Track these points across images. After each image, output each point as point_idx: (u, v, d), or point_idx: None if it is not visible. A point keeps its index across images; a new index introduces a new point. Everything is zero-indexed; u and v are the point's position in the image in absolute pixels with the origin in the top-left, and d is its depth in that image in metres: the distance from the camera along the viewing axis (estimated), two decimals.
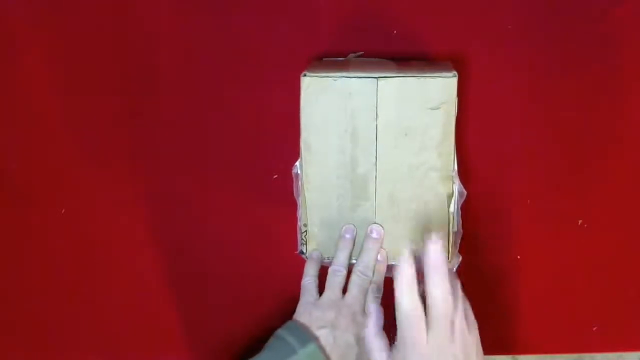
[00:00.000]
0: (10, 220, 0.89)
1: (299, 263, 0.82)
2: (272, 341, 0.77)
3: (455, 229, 0.80)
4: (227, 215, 0.89)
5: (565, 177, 0.88)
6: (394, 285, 0.68)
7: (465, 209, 0.81)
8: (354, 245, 0.80)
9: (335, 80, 0.76)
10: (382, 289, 0.80)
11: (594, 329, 0.92)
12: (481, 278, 0.89)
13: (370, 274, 0.79)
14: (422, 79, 0.75)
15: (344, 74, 0.76)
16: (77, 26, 0.85)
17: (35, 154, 0.87)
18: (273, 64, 0.85)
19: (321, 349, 0.74)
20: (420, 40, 0.85)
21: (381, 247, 0.80)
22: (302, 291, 0.81)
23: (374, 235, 0.79)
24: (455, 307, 0.68)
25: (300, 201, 0.80)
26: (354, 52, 0.85)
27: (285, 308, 0.81)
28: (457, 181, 0.79)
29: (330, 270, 0.80)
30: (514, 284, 0.90)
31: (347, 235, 0.80)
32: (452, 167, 0.78)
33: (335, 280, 0.79)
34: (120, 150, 0.87)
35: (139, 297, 0.91)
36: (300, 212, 0.81)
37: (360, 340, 0.76)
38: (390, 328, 0.72)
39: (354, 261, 0.80)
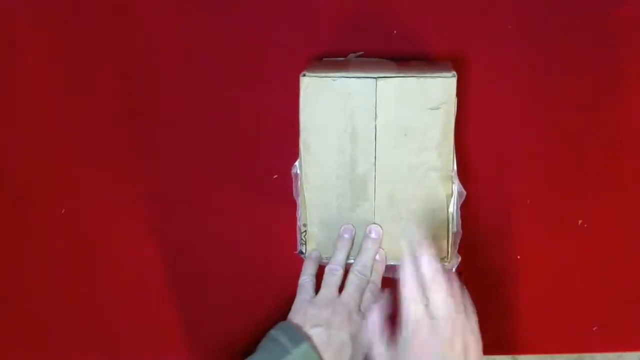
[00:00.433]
0: (10, 220, 0.89)
1: (299, 263, 0.82)
2: (265, 342, 0.77)
3: (455, 229, 0.80)
4: (227, 215, 0.89)
5: (565, 177, 0.88)
6: (400, 289, 0.70)
7: (465, 209, 0.81)
8: (352, 245, 0.80)
9: (334, 80, 0.76)
10: (380, 288, 0.80)
11: (594, 329, 0.91)
12: (481, 278, 0.89)
13: (368, 273, 0.79)
14: (421, 79, 0.75)
15: (344, 74, 0.76)
16: (77, 26, 0.85)
17: (35, 154, 0.88)
18: (273, 64, 0.85)
19: (314, 348, 0.74)
20: (420, 40, 0.85)
21: (380, 247, 0.80)
22: (298, 289, 0.81)
23: (373, 235, 0.79)
24: (456, 309, 0.69)
25: (299, 201, 0.80)
26: (354, 52, 0.85)
27: (285, 308, 0.81)
28: (456, 181, 0.79)
29: (327, 269, 0.80)
30: (514, 284, 0.90)
31: (346, 235, 0.80)
32: (452, 167, 0.77)
33: (331, 279, 0.79)
34: (120, 150, 0.88)
35: (139, 297, 0.91)
36: (299, 212, 0.81)
37: (355, 339, 0.76)
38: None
39: (351, 261, 0.80)
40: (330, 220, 0.80)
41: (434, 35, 0.85)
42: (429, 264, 0.70)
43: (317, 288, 0.80)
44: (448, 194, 0.78)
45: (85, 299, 0.91)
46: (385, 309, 0.74)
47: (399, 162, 0.77)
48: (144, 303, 0.91)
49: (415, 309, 0.69)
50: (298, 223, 0.81)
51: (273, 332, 0.76)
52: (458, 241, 0.81)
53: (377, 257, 0.80)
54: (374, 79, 0.75)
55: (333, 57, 0.84)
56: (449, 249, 0.80)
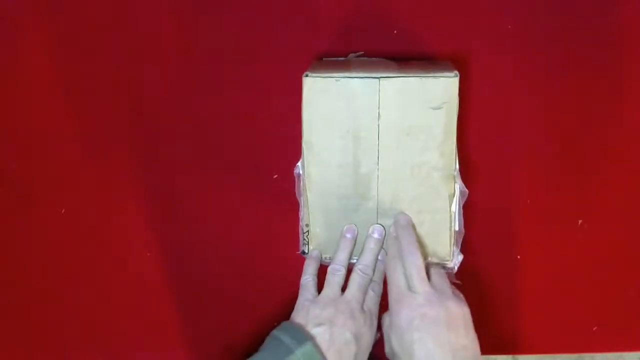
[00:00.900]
0: (10, 220, 0.89)
1: (301, 263, 0.82)
2: (268, 342, 0.77)
3: (457, 228, 0.80)
4: (228, 215, 0.89)
5: (565, 177, 0.88)
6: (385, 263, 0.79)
7: (467, 208, 0.81)
8: (354, 245, 0.80)
9: (337, 80, 0.76)
10: (382, 287, 0.81)
11: (594, 329, 0.92)
12: (481, 278, 0.89)
13: (371, 272, 0.79)
14: (424, 78, 0.75)
15: (346, 74, 0.76)
16: (77, 26, 0.85)
17: (35, 154, 0.87)
18: (273, 63, 0.85)
19: (317, 347, 0.74)
20: (420, 40, 0.85)
21: (382, 247, 0.80)
22: (300, 289, 0.81)
23: (376, 235, 0.79)
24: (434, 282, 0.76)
25: (302, 201, 0.80)
26: (354, 52, 0.85)
27: (287, 308, 0.81)
28: (458, 180, 0.79)
29: (329, 268, 0.80)
30: (514, 284, 0.90)
31: (348, 235, 0.80)
32: (454, 167, 0.78)
33: (334, 278, 0.79)
34: (120, 150, 0.87)
35: (139, 297, 0.91)
36: (302, 212, 0.81)
37: (358, 338, 0.76)
38: None
39: (354, 260, 0.80)
40: (333, 220, 0.80)
41: (434, 35, 0.85)
42: (406, 241, 0.77)
43: (320, 288, 0.80)
44: (450, 193, 0.78)
45: (85, 298, 0.91)
46: None
47: (401, 161, 0.77)
48: (144, 303, 0.91)
49: (395, 277, 0.76)
50: (300, 223, 0.81)
51: (276, 332, 0.76)
52: (460, 240, 0.81)
53: (380, 257, 0.80)
54: (377, 79, 0.75)
55: (333, 57, 0.84)
56: (451, 248, 0.80)
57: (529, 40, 0.85)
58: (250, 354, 0.75)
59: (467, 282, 0.84)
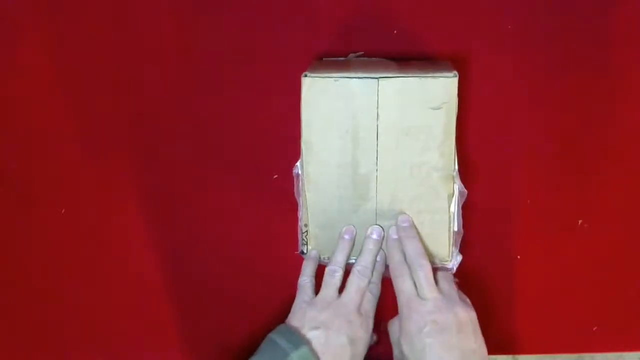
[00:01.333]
0: (10, 220, 0.89)
1: (299, 263, 0.82)
2: (264, 345, 0.77)
3: (456, 228, 0.80)
4: (227, 215, 0.89)
5: (565, 177, 0.88)
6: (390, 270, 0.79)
7: (466, 208, 0.81)
8: (353, 246, 0.80)
9: (336, 80, 0.75)
10: (380, 288, 0.81)
11: (594, 329, 0.92)
12: (481, 278, 0.89)
13: (369, 274, 0.79)
14: (423, 79, 0.75)
15: (345, 74, 0.75)
16: (77, 26, 0.85)
17: (35, 154, 0.87)
18: (273, 63, 0.85)
19: (313, 351, 0.74)
20: (420, 40, 0.85)
21: (381, 248, 0.80)
22: (298, 290, 0.81)
23: (374, 236, 0.79)
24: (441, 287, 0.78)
25: (301, 201, 0.80)
26: (354, 52, 0.85)
27: (286, 308, 0.81)
28: (457, 181, 0.79)
29: (327, 269, 0.80)
30: (514, 284, 0.90)
31: (347, 236, 0.80)
32: (453, 167, 0.78)
33: (331, 280, 0.79)
34: (120, 151, 0.87)
35: (139, 297, 0.91)
36: (301, 213, 0.81)
37: (354, 341, 0.76)
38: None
39: (352, 261, 0.80)
40: (332, 221, 0.80)
41: (434, 35, 0.85)
42: (413, 248, 0.78)
43: (317, 288, 0.80)
44: (450, 193, 0.78)
45: (85, 298, 0.91)
46: None
47: (400, 162, 0.77)
48: (143, 303, 0.91)
49: (404, 284, 0.77)
50: (299, 223, 0.81)
51: (272, 335, 0.76)
52: (459, 241, 0.81)
53: (378, 258, 0.80)
54: (376, 79, 0.75)
55: (333, 57, 0.84)
56: (450, 249, 0.80)
57: (529, 40, 0.85)
58: (248, 356, 0.75)
59: (466, 282, 0.84)
